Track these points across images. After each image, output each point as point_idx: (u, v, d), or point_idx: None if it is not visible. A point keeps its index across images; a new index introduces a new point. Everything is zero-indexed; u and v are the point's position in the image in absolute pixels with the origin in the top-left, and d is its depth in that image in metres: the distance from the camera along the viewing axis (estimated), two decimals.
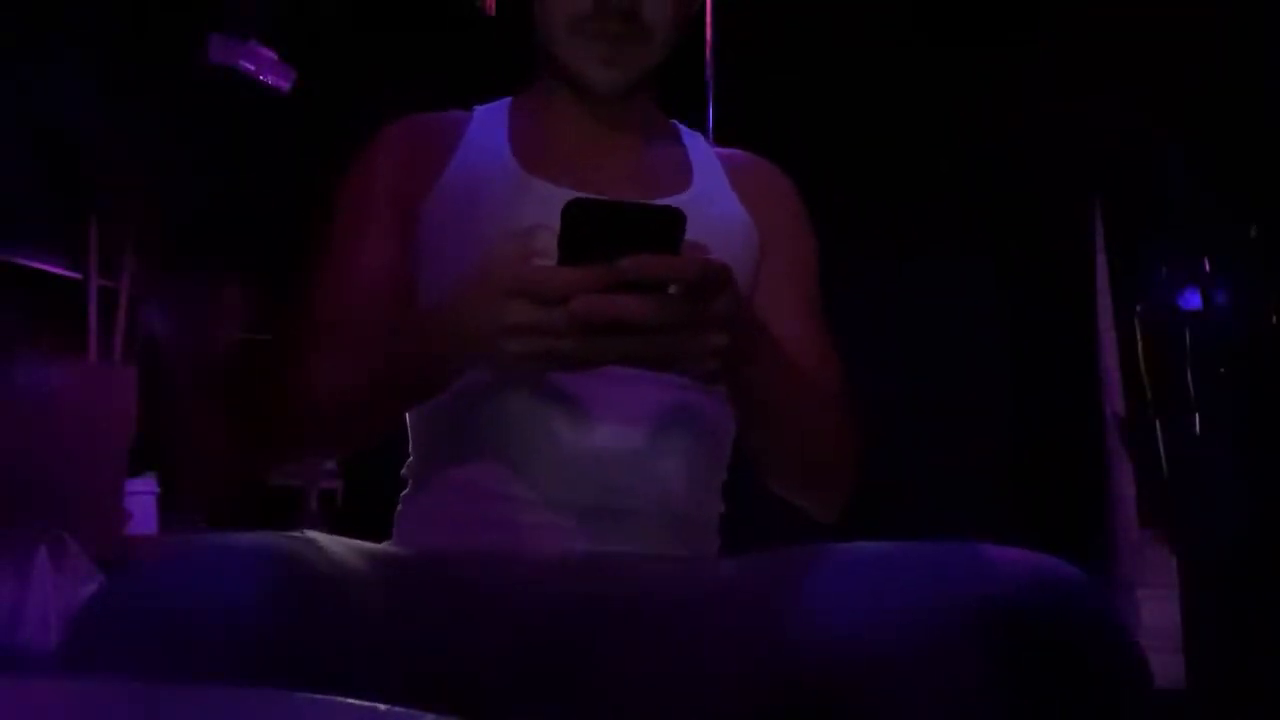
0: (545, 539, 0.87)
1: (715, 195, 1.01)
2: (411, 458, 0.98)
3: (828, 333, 1.01)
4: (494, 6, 2.44)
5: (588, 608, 0.81)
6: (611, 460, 0.88)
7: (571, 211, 0.69)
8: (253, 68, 2.71)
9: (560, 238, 0.70)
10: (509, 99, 1.06)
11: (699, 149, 1.06)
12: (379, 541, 0.94)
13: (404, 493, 0.97)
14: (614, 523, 0.88)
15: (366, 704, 0.45)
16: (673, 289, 0.70)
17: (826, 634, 0.69)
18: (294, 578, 0.66)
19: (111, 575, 0.68)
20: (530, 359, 0.73)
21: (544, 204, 0.91)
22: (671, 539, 0.90)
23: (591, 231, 0.69)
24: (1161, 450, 2.39)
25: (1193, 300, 2.36)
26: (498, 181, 0.96)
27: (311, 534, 0.75)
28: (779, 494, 0.96)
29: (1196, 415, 2.30)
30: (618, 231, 0.69)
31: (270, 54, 2.75)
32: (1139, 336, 2.49)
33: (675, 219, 0.70)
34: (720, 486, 0.99)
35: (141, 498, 2.37)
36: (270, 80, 2.75)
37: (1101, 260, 2.99)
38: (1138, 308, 2.50)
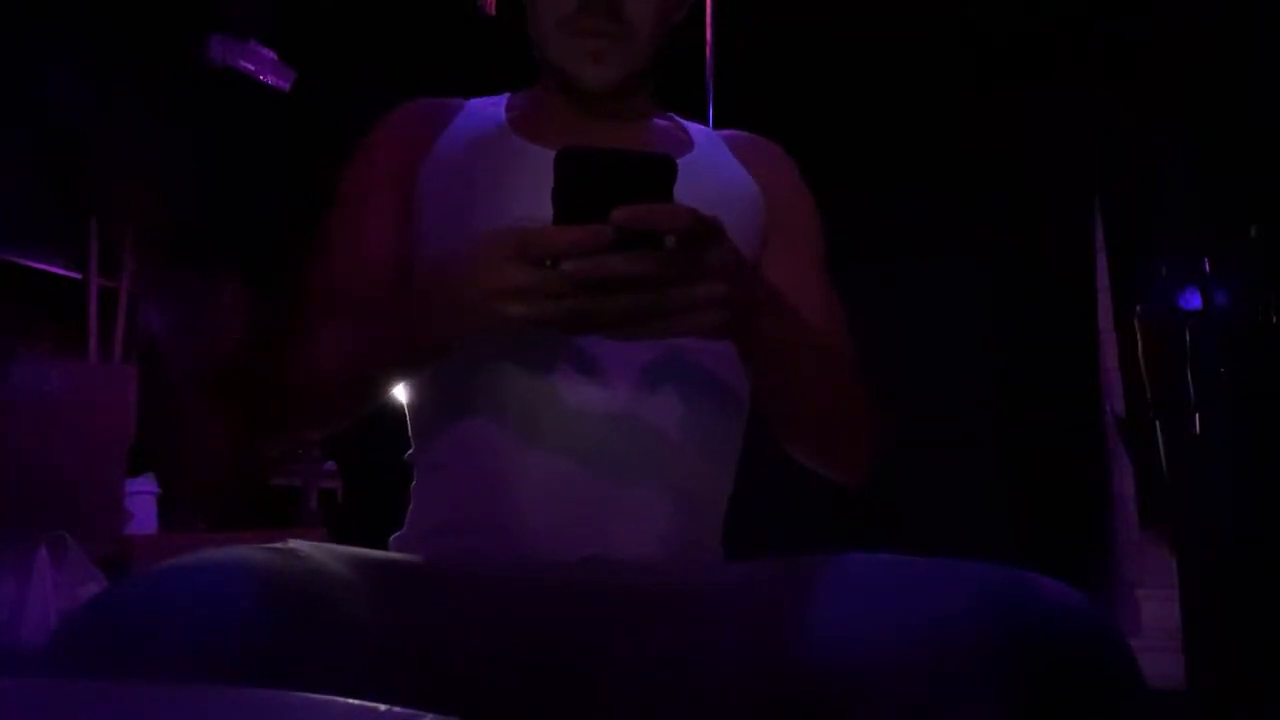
0: (550, 509, 0.86)
1: (717, 160, 1.03)
2: (413, 441, 0.98)
3: (836, 297, 1.02)
4: (494, 6, 2.44)
5: (587, 610, 0.80)
6: (616, 425, 0.88)
7: (564, 160, 0.70)
8: (253, 68, 2.71)
9: (554, 189, 0.70)
10: (506, 94, 1.07)
11: (698, 129, 1.08)
12: (379, 540, 0.94)
13: (413, 485, 0.97)
14: (618, 491, 0.87)
15: (366, 704, 0.44)
16: (670, 241, 0.70)
17: (836, 644, 0.68)
18: (267, 592, 0.65)
19: (73, 611, 0.66)
20: (530, 322, 0.73)
21: (539, 167, 0.92)
22: (676, 509, 0.89)
23: (584, 181, 0.69)
24: (1161, 450, 2.39)
25: (1193, 300, 2.36)
26: (492, 145, 0.97)
27: (295, 543, 0.75)
28: (801, 461, 0.95)
29: (1196, 415, 2.29)
30: (611, 180, 0.69)
31: (270, 54, 2.76)
32: (1139, 336, 2.48)
33: (668, 166, 0.70)
34: (732, 461, 0.98)
35: (141, 498, 2.36)
36: (270, 80, 2.75)
37: (1101, 260, 2.99)
38: (1138, 308, 2.50)
